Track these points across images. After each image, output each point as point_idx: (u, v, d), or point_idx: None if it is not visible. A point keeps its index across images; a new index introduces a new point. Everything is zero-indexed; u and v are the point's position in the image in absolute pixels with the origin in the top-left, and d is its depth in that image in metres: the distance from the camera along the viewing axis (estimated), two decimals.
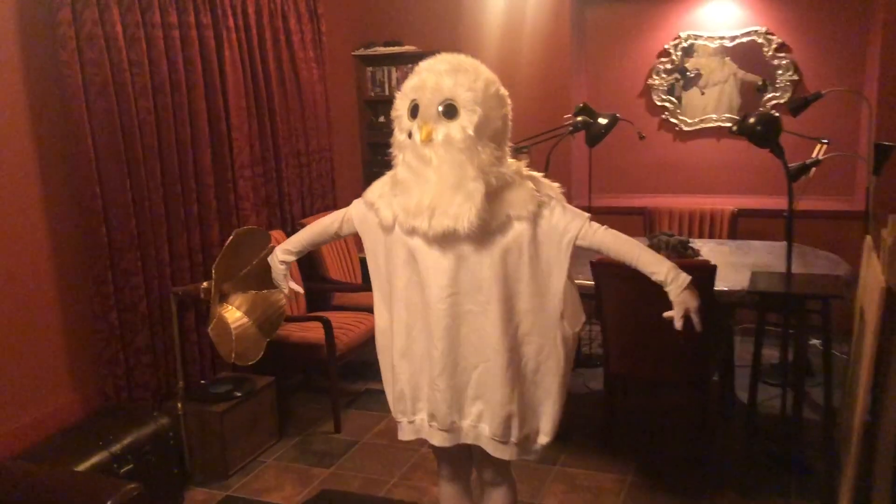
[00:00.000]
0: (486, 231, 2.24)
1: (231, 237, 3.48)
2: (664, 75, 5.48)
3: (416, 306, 2.39)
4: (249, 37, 4.33)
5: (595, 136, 3.93)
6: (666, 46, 5.44)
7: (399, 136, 2.31)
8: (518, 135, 5.01)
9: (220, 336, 3.49)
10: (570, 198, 5.59)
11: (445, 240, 2.24)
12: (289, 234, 4.59)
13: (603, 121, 3.93)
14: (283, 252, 2.68)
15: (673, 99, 5.49)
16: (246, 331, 3.66)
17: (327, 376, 4.04)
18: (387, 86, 5.74)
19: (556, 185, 2.39)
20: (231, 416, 3.64)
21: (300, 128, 4.81)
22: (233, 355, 3.52)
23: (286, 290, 2.74)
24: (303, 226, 4.63)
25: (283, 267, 2.68)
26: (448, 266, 2.29)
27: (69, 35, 3.25)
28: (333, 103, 5.24)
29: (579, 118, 3.54)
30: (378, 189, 2.41)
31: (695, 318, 2.29)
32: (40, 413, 3.33)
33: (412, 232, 2.27)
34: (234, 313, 3.68)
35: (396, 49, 5.56)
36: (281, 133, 4.60)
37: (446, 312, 2.32)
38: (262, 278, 3.64)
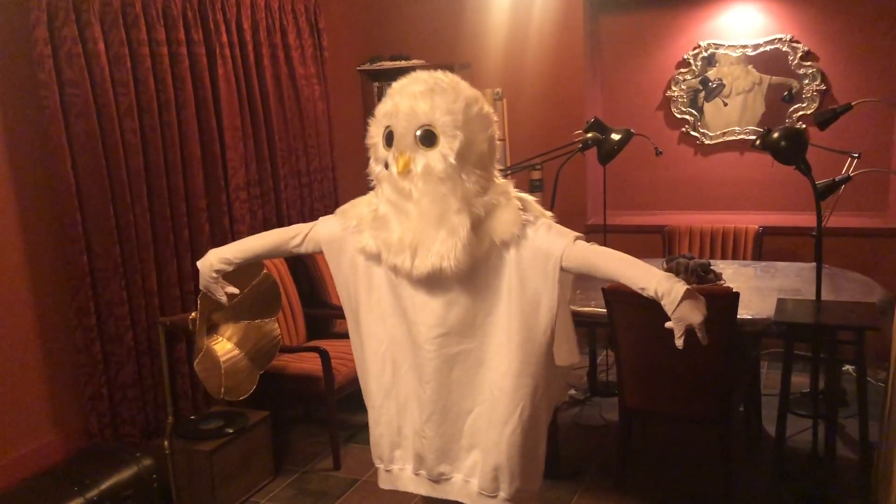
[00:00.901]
0: (473, 262, 2.02)
1: None
2: (684, 86, 5.22)
3: (403, 344, 2.18)
4: (245, 53, 4.14)
5: (608, 153, 3.69)
6: (685, 56, 5.19)
7: (375, 168, 2.09)
8: (530, 151, 4.85)
9: (207, 371, 3.27)
10: (585, 216, 5.38)
11: (431, 278, 2.02)
12: (289, 260, 4.41)
13: (616, 136, 3.69)
14: (220, 261, 2.36)
15: (693, 111, 5.23)
16: (237, 364, 3.44)
17: (326, 409, 3.83)
18: None
19: (549, 213, 2.17)
20: (221, 455, 3.42)
21: (300, 146, 4.61)
22: (222, 391, 3.31)
23: (223, 298, 2.44)
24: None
25: (214, 275, 2.37)
26: (436, 304, 2.09)
27: (46, 54, 3.09)
28: (338, 120, 5.05)
29: (589, 134, 3.31)
30: (357, 212, 2.17)
31: (699, 334, 1.94)
32: (18, 454, 3.15)
33: (395, 269, 2.06)
34: (224, 345, 3.46)
35: (403, 63, 5.36)
36: (280, 152, 4.41)
37: (435, 353, 2.12)
38: (256, 307, 3.44)
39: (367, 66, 5.43)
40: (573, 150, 3.44)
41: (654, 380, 3.31)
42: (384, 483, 2.32)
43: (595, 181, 5.30)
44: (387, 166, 2.03)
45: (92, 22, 3.25)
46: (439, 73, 2.06)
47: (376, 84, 5.51)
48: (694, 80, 5.19)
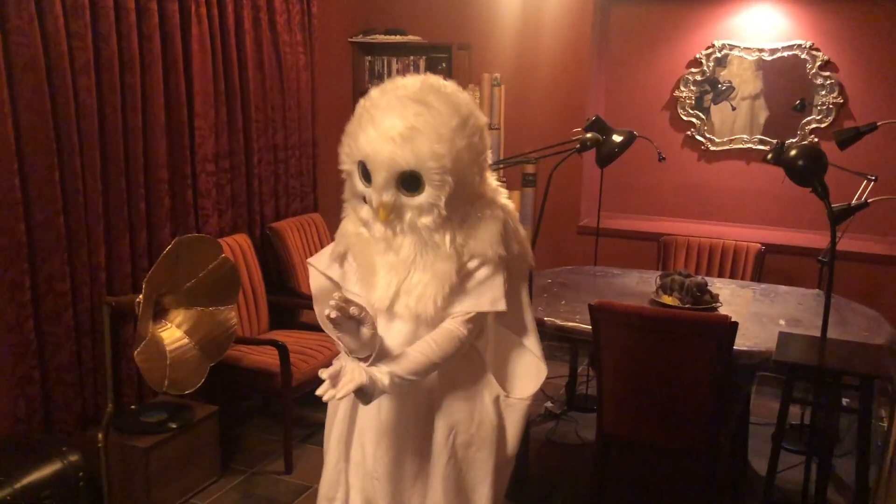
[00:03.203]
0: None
1: (170, 246, 2.97)
2: (693, 87, 4.92)
3: None
4: (224, 14, 3.81)
5: (607, 155, 3.38)
6: (698, 56, 4.88)
7: (353, 203, 1.86)
8: (526, 140, 4.53)
9: (149, 361, 2.97)
10: (578, 216, 5.06)
11: None
12: (255, 239, 4.10)
13: (617, 138, 3.38)
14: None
15: (700, 114, 4.93)
16: (184, 354, 3.13)
17: (282, 407, 3.54)
18: (386, 77, 5.19)
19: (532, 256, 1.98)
20: (160, 452, 3.13)
21: (279, 118, 4.29)
22: (166, 383, 3.01)
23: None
24: (273, 230, 4.15)
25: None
26: (403, 324, 1.85)
27: None
28: (324, 93, 4.72)
29: (588, 135, 3.01)
30: (343, 232, 1.95)
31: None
32: None
33: (369, 303, 1.84)
34: (172, 333, 3.15)
35: (399, 38, 5.03)
36: (255, 123, 4.08)
37: None
38: (211, 293, 3.14)
39: (359, 38, 5.09)
40: (570, 150, 3.13)
41: (638, 407, 3.04)
42: None
43: (591, 180, 5.01)
44: (366, 200, 1.80)
45: None
46: (417, 90, 1.73)
47: (368, 58, 5.19)
48: (703, 81, 4.88)
